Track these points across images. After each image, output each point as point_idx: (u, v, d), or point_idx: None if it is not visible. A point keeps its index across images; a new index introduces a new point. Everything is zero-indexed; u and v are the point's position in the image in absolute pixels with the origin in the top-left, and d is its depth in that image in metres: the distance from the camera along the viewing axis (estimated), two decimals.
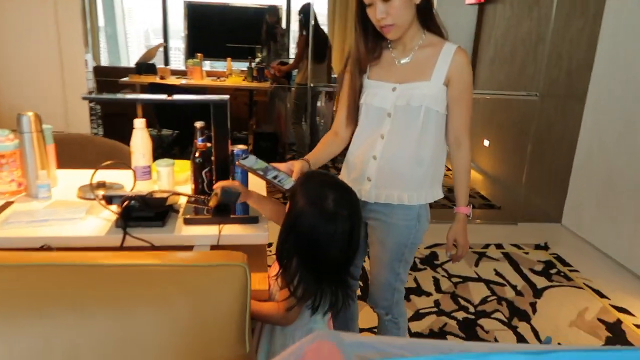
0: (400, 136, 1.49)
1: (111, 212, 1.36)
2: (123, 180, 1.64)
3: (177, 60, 7.14)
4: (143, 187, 1.59)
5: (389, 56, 1.51)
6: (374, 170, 1.52)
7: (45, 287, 0.96)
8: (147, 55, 4.86)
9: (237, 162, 1.38)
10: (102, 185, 1.56)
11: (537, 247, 3.31)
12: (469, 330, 2.33)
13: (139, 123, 1.57)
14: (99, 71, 4.80)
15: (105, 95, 1.32)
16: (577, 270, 3.00)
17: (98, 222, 1.36)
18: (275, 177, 1.36)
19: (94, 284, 0.98)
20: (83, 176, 1.71)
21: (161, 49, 5.71)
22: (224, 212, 1.40)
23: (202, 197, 1.47)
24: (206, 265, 1.04)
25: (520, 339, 2.29)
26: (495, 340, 2.27)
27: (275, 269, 1.29)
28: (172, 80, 4.55)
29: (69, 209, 1.40)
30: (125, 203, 1.28)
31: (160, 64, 5.48)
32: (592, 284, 2.85)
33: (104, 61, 6.71)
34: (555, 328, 2.40)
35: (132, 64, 5.80)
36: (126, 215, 1.30)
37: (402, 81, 1.47)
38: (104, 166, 1.47)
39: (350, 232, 1.20)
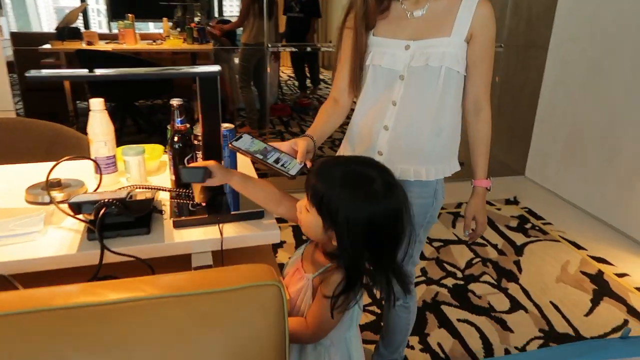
0: (416, 102, 1.29)
1: (78, 220, 1.08)
2: (79, 174, 1.33)
3: (97, 23, 6.45)
4: (108, 183, 1.30)
5: (398, 8, 1.28)
6: (386, 143, 1.33)
7: (24, 346, 0.70)
8: (68, 19, 4.28)
9: (229, 145, 1.12)
10: (56, 184, 1.25)
11: (508, 202, 3.29)
12: (461, 298, 2.25)
13: (96, 104, 1.26)
14: (17, 38, 4.18)
15: (61, 72, 1.00)
16: (550, 223, 3.00)
17: (62, 234, 1.08)
18: (277, 161, 1.12)
19: (87, 332, 0.73)
20: (22, 173, 1.39)
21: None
22: (219, 208, 1.16)
23: (188, 191, 1.21)
24: (231, 290, 0.81)
25: (513, 300, 2.24)
26: (489, 304, 2.20)
27: (295, 278, 1.09)
28: (102, 46, 4.04)
29: (19, 220, 1.10)
30: (102, 210, 1.00)
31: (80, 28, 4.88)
32: (566, 235, 2.86)
33: (13, 26, 5.92)
34: (544, 285, 2.37)
35: (46, 28, 5.13)
36: (101, 224, 1.03)
37: (417, 38, 1.26)
38: (65, 160, 1.17)
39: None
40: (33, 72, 0.95)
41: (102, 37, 4.36)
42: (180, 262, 1.10)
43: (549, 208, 3.19)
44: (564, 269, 2.54)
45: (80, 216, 1.06)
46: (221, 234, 1.09)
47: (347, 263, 0.99)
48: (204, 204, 1.18)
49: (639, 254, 2.69)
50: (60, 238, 1.06)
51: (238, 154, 1.17)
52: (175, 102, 1.22)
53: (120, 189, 1.15)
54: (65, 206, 1.10)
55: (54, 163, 1.15)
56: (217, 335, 0.79)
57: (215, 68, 1.06)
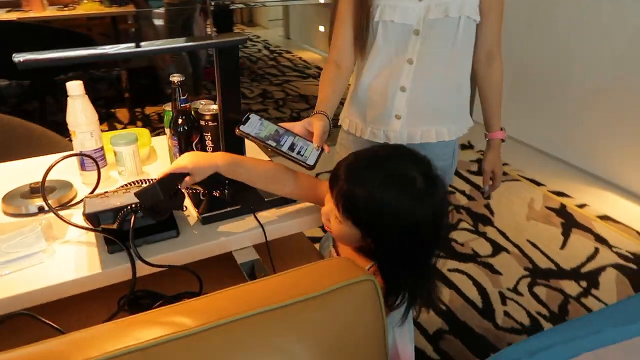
0: (435, 58, 1.20)
1: (84, 231, 0.90)
2: (57, 173, 1.13)
3: None
4: (92, 179, 1.11)
5: None
6: (404, 105, 1.24)
7: None
8: None
9: (236, 131, 0.96)
10: (35, 190, 1.05)
11: (463, 147, 3.35)
12: (446, 247, 2.28)
13: (75, 88, 1.05)
14: None
15: (60, 54, 0.78)
16: (507, 164, 3.11)
17: (73, 251, 0.90)
18: (292, 148, 0.97)
19: None
20: None
21: None
22: (247, 195, 1.03)
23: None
24: (324, 294, 0.71)
25: (494, 244, 2.31)
26: (473, 250, 2.25)
27: None
28: (3, 15, 3.51)
29: (10, 240, 0.90)
30: (132, 218, 0.84)
31: None
32: (525, 174, 2.98)
33: None
34: (517, 225, 2.47)
35: None
36: (121, 233, 0.87)
37: None
38: (60, 159, 0.96)
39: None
40: (19, 56, 0.75)
41: (2, 4, 3.80)
42: (218, 259, 0.97)
43: (503, 149, 3.29)
44: (531, 206, 2.65)
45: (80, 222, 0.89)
46: (261, 225, 0.96)
47: (388, 269, 0.87)
48: (217, 194, 1.04)
49: (594, 184, 2.86)
50: (72, 255, 0.89)
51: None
52: (176, 78, 1.04)
53: (127, 186, 0.98)
54: (68, 215, 0.92)
55: (49, 165, 0.95)
56: (315, 344, 0.70)
57: (237, 38, 0.90)
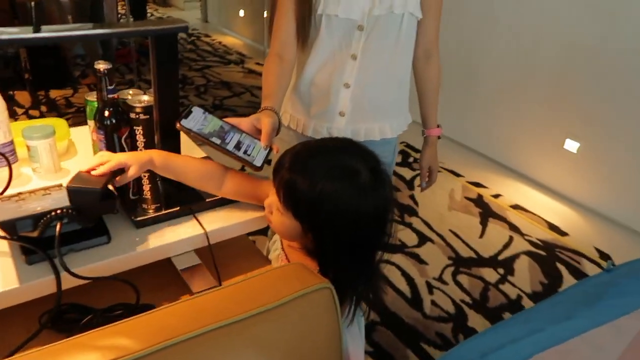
0: (378, 55, 1.19)
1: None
2: None
3: None
4: (6, 177, 0.98)
5: None
6: (348, 102, 1.22)
7: None
8: None
9: (177, 125, 0.88)
10: None
11: None
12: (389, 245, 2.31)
13: None
14: None
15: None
16: None
17: None
18: (238, 146, 0.90)
19: None
20: None
21: None
22: (185, 197, 0.95)
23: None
24: (280, 305, 0.67)
25: (419, 234, 2.38)
26: (401, 241, 2.31)
27: None
28: None
29: None
30: (58, 226, 0.73)
31: None
32: (444, 165, 3.10)
33: None
34: (440, 216, 2.56)
35: None
36: (41, 240, 0.76)
37: None
38: None
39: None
40: None
41: None
42: (155, 265, 0.89)
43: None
44: (451, 197, 2.76)
45: None
46: (203, 228, 0.89)
47: (329, 269, 0.84)
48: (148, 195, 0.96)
49: (506, 174, 3.04)
50: None
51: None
52: (102, 66, 0.93)
53: (46, 189, 0.86)
54: None
55: None
56: (271, 357, 0.66)
57: (177, 25, 0.81)
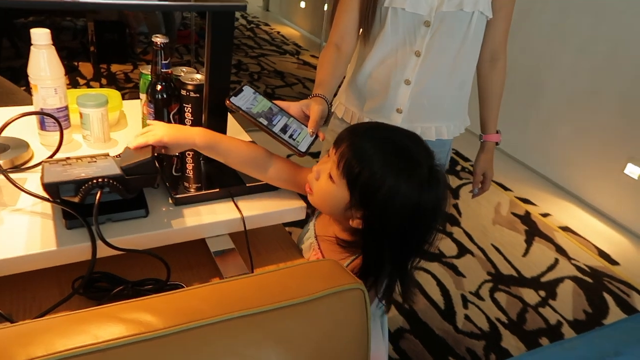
0: (442, 53, 1.14)
1: (39, 199, 0.80)
2: (16, 131, 1.00)
3: None
4: (56, 142, 0.99)
5: None
6: (407, 99, 1.18)
7: None
8: None
9: (226, 102, 0.87)
10: None
11: None
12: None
13: (42, 36, 0.93)
14: None
15: None
16: None
17: (24, 221, 0.79)
18: (284, 130, 0.89)
19: None
20: None
21: None
22: (225, 179, 0.94)
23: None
24: (309, 301, 0.64)
25: (459, 245, 2.31)
26: (439, 250, 2.24)
27: None
28: None
29: None
30: (98, 194, 0.74)
31: None
32: (493, 177, 2.99)
33: None
34: (483, 228, 2.47)
35: None
36: (82, 206, 0.77)
37: None
38: (17, 117, 0.84)
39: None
40: None
41: None
42: (188, 245, 0.88)
43: (473, 150, 3.29)
44: (497, 210, 2.66)
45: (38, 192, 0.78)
46: (240, 212, 0.88)
47: (369, 249, 0.83)
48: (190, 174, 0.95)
49: (558, 194, 2.91)
50: (24, 227, 0.78)
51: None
52: (159, 39, 0.93)
53: (93, 157, 0.87)
54: (21, 179, 0.81)
55: (6, 121, 0.83)
56: (293, 355, 0.63)
57: (237, 2, 0.80)
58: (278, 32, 5.76)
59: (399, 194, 0.76)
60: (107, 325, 0.57)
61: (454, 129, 1.25)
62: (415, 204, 0.78)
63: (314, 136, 0.92)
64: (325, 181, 0.83)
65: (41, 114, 0.97)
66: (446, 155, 1.31)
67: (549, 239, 2.46)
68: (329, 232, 0.90)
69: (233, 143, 0.90)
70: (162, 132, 0.83)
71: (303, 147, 0.89)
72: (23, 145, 0.97)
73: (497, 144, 1.35)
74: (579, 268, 2.27)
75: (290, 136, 0.89)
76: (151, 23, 4.14)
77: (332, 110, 1.32)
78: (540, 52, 3.00)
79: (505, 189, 2.89)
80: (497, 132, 1.34)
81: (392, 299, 0.88)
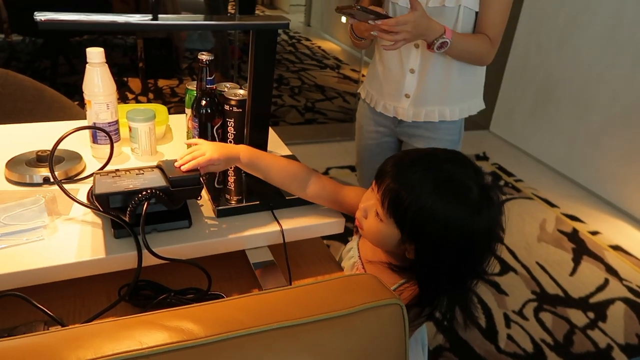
0: None
1: (90, 209, 0.84)
2: (69, 144, 1.06)
3: None
4: (106, 154, 1.04)
5: None
6: (413, 86, 1.32)
7: None
8: None
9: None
10: (42, 158, 0.98)
11: (478, 157, 3.28)
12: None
13: (96, 55, 0.98)
14: None
15: (94, 17, 0.71)
16: (521, 180, 3.04)
17: (75, 230, 0.83)
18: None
19: None
20: None
21: None
22: (265, 192, 0.96)
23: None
24: (347, 314, 0.64)
25: (502, 262, 2.24)
26: None
27: None
28: None
29: (12, 210, 0.84)
30: (144, 205, 0.77)
31: None
32: (539, 193, 2.91)
33: None
34: (527, 245, 2.40)
35: None
36: (132, 218, 0.80)
37: None
38: (74, 130, 0.89)
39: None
40: (41, 15, 0.68)
41: None
42: (229, 256, 0.90)
43: (518, 164, 3.23)
44: (542, 227, 2.58)
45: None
46: (279, 224, 0.89)
47: (425, 280, 0.81)
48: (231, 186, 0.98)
49: (608, 211, 2.79)
50: (75, 235, 0.82)
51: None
52: (204, 56, 0.97)
53: (140, 169, 0.90)
54: (74, 190, 0.86)
55: (62, 135, 0.87)
56: None
57: (279, 22, 0.82)
58: (319, 47, 5.83)
59: (450, 223, 0.75)
60: (151, 331, 0.59)
61: (460, 112, 1.36)
62: (469, 230, 0.75)
63: None
64: (374, 219, 0.81)
65: (94, 128, 1.02)
66: (457, 132, 1.41)
67: (598, 258, 2.36)
68: (375, 255, 0.89)
69: (274, 160, 0.92)
70: (211, 151, 0.86)
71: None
72: (76, 157, 1.02)
73: (443, 35, 1.14)
74: (630, 289, 2.16)
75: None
76: (199, 38, 4.27)
77: (358, 91, 1.53)
78: (591, 64, 2.90)
79: (551, 205, 2.80)
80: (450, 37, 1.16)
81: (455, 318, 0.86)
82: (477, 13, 1.23)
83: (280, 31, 6.41)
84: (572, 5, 2.99)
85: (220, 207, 0.90)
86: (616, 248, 2.46)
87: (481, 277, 0.84)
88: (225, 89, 1.05)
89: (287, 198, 0.95)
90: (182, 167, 0.84)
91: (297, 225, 0.91)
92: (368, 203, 0.83)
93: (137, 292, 0.85)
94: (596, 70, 2.88)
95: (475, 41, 1.23)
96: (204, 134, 1.01)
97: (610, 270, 2.28)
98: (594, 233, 2.57)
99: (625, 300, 2.09)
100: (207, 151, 0.85)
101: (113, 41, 4.79)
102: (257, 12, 7.30)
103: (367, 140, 1.49)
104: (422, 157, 0.82)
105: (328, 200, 0.95)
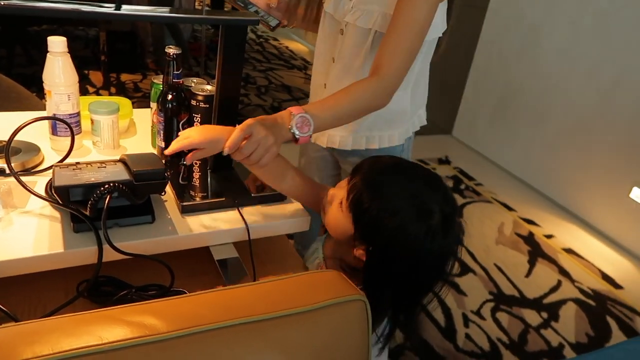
0: (348, 64, 1.12)
1: (47, 202, 0.81)
2: (27, 135, 1.02)
3: None
4: (66, 147, 1.01)
5: None
6: None
7: None
8: None
9: None
10: (1, 149, 0.94)
11: (441, 161, 3.35)
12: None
13: (58, 44, 0.95)
14: None
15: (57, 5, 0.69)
16: (481, 184, 3.12)
17: (32, 223, 0.81)
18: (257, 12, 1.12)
19: None
20: None
21: None
22: (232, 188, 0.95)
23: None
24: (311, 310, 0.65)
25: (462, 264, 2.30)
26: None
27: None
28: None
29: None
30: (107, 199, 0.75)
31: None
32: (498, 197, 3.00)
33: None
34: (486, 248, 2.47)
35: None
36: (95, 212, 0.78)
37: None
38: (30, 121, 0.86)
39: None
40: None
41: None
42: (192, 252, 0.89)
43: (479, 169, 3.31)
44: (500, 230, 2.66)
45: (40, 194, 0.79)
46: (244, 221, 0.89)
47: (369, 287, 0.80)
48: (191, 182, 0.97)
49: (562, 216, 2.90)
50: (32, 229, 0.79)
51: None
52: (172, 50, 0.95)
53: (102, 162, 0.88)
54: (31, 182, 0.83)
55: (19, 125, 0.84)
56: None
57: (248, 18, 0.82)
58: (287, 47, 5.82)
59: (401, 235, 0.75)
60: (111, 327, 0.57)
61: (380, 140, 1.17)
62: (418, 248, 0.76)
63: (279, 22, 1.16)
64: (336, 208, 0.83)
65: (55, 119, 0.99)
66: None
67: (552, 261, 2.45)
68: (336, 254, 0.90)
69: (291, 172, 0.92)
70: (195, 135, 0.82)
71: (273, 23, 1.14)
72: (34, 149, 0.99)
73: (292, 114, 0.96)
74: (582, 291, 2.25)
75: (262, 16, 1.11)
76: (157, 34, 4.19)
77: None
78: (548, 74, 3.02)
79: (509, 208, 2.89)
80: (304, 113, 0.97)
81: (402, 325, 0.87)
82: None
83: (248, 30, 6.36)
84: (532, 15, 3.09)
85: (185, 203, 0.89)
86: (569, 251, 2.56)
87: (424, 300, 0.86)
88: (192, 84, 1.04)
89: (253, 195, 0.94)
90: (165, 152, 0.83)
91: (262, 222, 0.91)
92: (338, 191, 0.84)
93: (97, 288, 0.83)
94: (553, 80, 2.99)
95: (350, 95, 0.96)
96: (169, 128, 0.99)
97: (563, 272, 2.37)
98: (549, 236, 2.67)
99: (576, 301, 2.17)
100: (191, 135, 0.82)
101: (74, 32, 4.64)
102: (226, 9, 7.23)
103: (311, 153, 1.37)
104: (401, 168, 0.83)
105: (304, 197, 0.95)
